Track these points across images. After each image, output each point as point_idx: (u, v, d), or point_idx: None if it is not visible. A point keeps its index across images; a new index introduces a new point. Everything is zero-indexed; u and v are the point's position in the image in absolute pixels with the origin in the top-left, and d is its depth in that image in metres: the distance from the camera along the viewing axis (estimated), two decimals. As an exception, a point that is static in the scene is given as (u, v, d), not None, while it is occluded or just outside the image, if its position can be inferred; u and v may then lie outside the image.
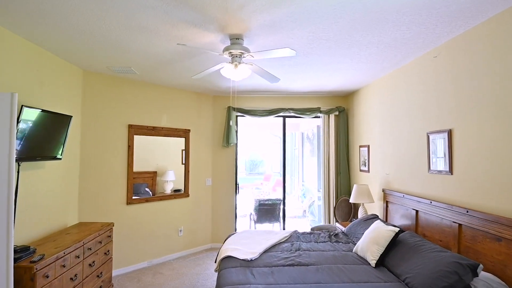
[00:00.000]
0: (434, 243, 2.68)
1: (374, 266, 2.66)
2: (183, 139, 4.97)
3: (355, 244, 3.34)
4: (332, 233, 3.74)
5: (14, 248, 2.30)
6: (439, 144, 2.95)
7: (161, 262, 4.57)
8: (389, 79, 3.92)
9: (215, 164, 5.38)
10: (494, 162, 2.34)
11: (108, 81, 4.06)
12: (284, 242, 3.39)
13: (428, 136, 3.12)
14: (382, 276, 2.45)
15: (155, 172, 4.92)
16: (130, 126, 4.26)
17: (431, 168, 3.09)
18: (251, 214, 6.19)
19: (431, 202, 2.96)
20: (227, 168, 5.39)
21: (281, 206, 5.93)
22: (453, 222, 2.66)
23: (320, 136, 5.58)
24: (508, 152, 2.22)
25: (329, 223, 5.31)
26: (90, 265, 3.02)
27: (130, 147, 4.27)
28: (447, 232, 2.74)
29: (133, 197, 4.33)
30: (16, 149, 2.48)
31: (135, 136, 4.33)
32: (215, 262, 3.18)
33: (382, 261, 2.70)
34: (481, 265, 2.09)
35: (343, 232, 3.79)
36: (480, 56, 2.48)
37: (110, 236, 3.52)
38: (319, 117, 5.47)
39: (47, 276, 2.35)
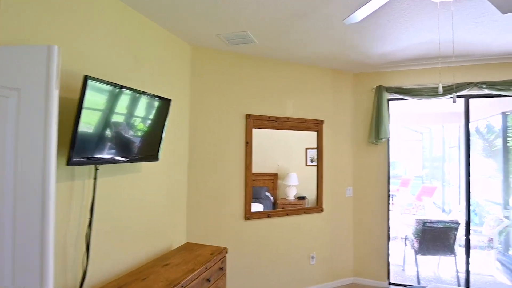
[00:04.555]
0: None
1: None
2: (314, 133, 3.68)
3: None
4: None
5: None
6: None
7: (288, 298, 3.40)
8: None
9: (358, 167, 3.89)
10: None
11: (219, 58, 3.13)
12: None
13: None
14: None
15: (275, 175, 3.86)
16: (248, 117, 3.23)
17: None
18: (406, 238, 4.42)
19: None
20: (376, 174, 3.83)
21: (457, 232, 3.98)
22: None
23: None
24: None
25: None
26: (193, 316, 2.03)
27: (248, 144, 3.24)
28: None
29: (253, 211, 3.29)
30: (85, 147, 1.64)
31: (253, 130, 3.28)
32: None
33: None
34: None
35: None
36: None
37: (222, 269, 2.52)
38: (536, 93, 3.31)
39: None
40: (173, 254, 2.44)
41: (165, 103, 2.30)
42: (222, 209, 3.10)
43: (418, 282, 3.96)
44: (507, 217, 4.86)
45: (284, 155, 3.86)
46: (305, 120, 3.57)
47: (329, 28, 2.59)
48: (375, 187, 3.83)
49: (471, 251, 3.69)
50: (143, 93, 2.04)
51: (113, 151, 1.86)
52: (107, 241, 1.99)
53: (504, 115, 4.97)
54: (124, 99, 1.90)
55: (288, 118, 3.46)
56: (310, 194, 3.77)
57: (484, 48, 3.04)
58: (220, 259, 2.50)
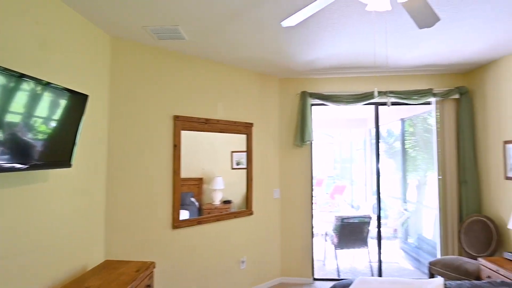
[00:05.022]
0: None
1: None
2: (240, 136, 3.65)
3: None
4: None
5: None
6: None
7: (219, 307, 3.28)
8: None
9: (285, 169, 4.01)
10: None
11: (145, 53, 2.85)
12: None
13: None
14: None
15: (201, 179, 3.70)
16: (176, 118, 3.02)
17: None
18: (326, 235, 4.73)
19: None
20: (301, 175, 3.99)
21: (369, 226, 4.43)
22: None
23: (433, 129, 4.01)
24: None
25: (455, 254, 3.70)
26: None
27: (177, 147, 3.03)
28: None
29: (181, 219, 3.07)
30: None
31: (182, 132, 3.09)
32: None
33: None
34: None
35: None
36: None
37: (150, 286, 2.26)
38: (429, 103, 3.90)
39: None
40: (91, 275, 2.09)
41: (80, 99, 1.97)
42: (148, 219, 2.82)
43: (338, 275, 4.26)
44: (406, 210, 5.62)
45: (210, 158, 3.71)
46: (235, 122, 3.52)
47: (262, 32, 2.59)
48: (300, 188, 3.99)
49: (376, 242, 4.12)
50: (49, 84, 1.69)
51: (6, 156, 1.49)
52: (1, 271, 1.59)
53: (403, 121, 5.75)
54: (24, 92, 1.55)
55: (218, 120, 3.35)
56: (236, 198, 3.72)
57: (395, 61, 3.44)
58: (147, 276, 2.25)
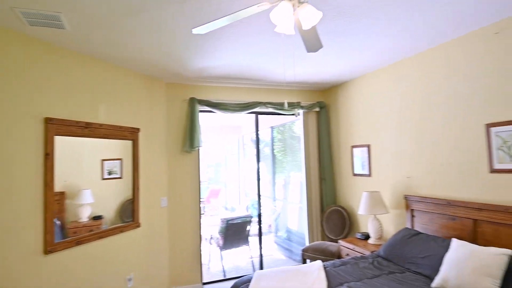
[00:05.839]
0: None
1: (498, 309, 1.87)
2: (130, 141, 3.38)
3: (414, 272, 2.52)
4: (370, 260, 2.85)
5: None
6: (511, 137, 2.39)
7: (103, 336, 2.90)
8: (410, 64, 3.31)
9: (173, 176, 3.90)
10: None
11: (10, 39, 2.29)
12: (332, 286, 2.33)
13: (489, 128, 2.55)
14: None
15: (62, 193, 3.16)
16: (48, 121, 2.53)
17: (494, 167, 2.52)
18: (211, 238, 4.84)
19: (507, 209, 2.36)
20: (189, 181, 3.98)
21: (250, 225, 4.80)
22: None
23: (298, 136, 4.70)
24: None
25: (319, 240, 4.43)
26: None
27: (49, 156, 2.54)
28: (544, 247, 2.16)
29: (56, 241, 2.57)
30: None
31: (56, 138, 2.61)
32: None
33: (502, 301, 1.93)
34: None
35: (379, 256, 2.95)
36: None
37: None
38: (295, 114, 4.57)
39: None
40: None
41: None
42: (7, 245, 2.24)
43: (224, 275, 4.43)
44: (275, 207, 6.34)
45: (74, 168, 3.05)
46: (121, 127, 3.21)
47: (159, 34, 2.51)
48: (189, 194, 3.97)
49: (257, 238, 4.53)
50: None
51: None
52: None
53: (272, 128, 6.49)
54: None
55: (101, 125, 2.99)
56: (109, 212, 3.26)
57: (274, 76, 3.90)
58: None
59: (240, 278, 2.63)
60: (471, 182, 2.71)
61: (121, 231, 3.18)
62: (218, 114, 4.10)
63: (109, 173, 3.36)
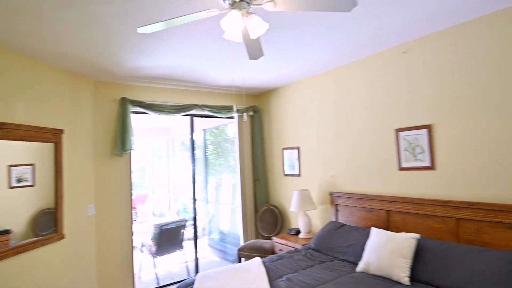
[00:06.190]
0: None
1: (409, 284, 2.24)
2: (52, 144, 3.04)
3: (342, 260, 2.85)
4: (303, 252, 3.10)
5: None
6: (415, 140, 2.89)
7: None
8: (334, 75, 3.71)
9: (101, 182, 3.63)
10: (479, 154, 2.44)
11: None
12: (273, 280, 2.48)
13: (398, 133, 3.04)
14: (434, 294, 2.05)
15: None
16: (-50, 120, 2.15)
17: (402, 165, 3.01)
18: (143, 245, 4.61)
19: (412, 200, 2.85)
20: (120, 186, 3.75)
21: (184, 229, 4.73)
22: (447, 217, 2.61)
23: (232, 139, 4.82)
24: (494, 144, 2.29)
25: (253, 238, 4.59)
26: None
27: (-48, 162, 2.15)
28: (438, 229, 2.67)
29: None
30: None
31: (-39, 140, 2.23)
32: None
33: (412, 276, 2.32)
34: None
35: (311, 248, 3.22)
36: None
37: None
38: (233, 117, 4.70)
39: None
40: None
41: None
42: None
43: (158, 283, 4.28)
44: (208, 210, 6.34)
45: None
46: (42, 128, 2.88)
47: (95, 28, 2.35)
48: (119, 200, 3.74)
49: (193, 241, 4.49)
50: None
51: None
52: None
53: (205, 131, 6.48)
54: None
55: (18, 126, 2.64)
56: (19, 225, 2.81)
57: (211, 80, 3.94)
58: None
59: (182, 282, 2.61)
60: (384, 179, 3.18)
61: (43, 244, 2.85)
62: (147, 115, 3.94)
63: (18, 181, 2.96)
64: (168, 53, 2.93)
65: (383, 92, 3.18)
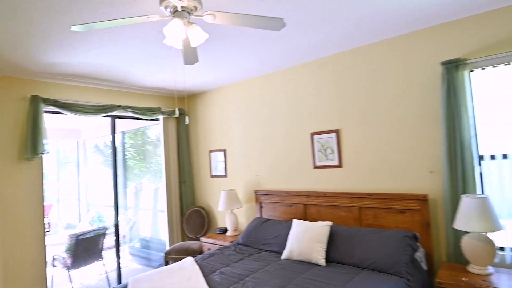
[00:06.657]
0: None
1: (325, 264, 2.63)
2: None
3: (268, 251, 3.14)
4: (232, 248, 3.29)
5: None
6: (326, 142, 3.39)
7: None
8: (259, 82, 4.03)
9: (6, 189, 3.21)
10: (374, 154, 3.04)
11: None
12: (207, 276, 2.60)
13: (313, 136, 3.50)
14: (345, 270, 2.47)
15: None
16: None
17: (316, 164, 3.48)
18: (54, 259, 4.17)
19: (325, 194, 3.33)
20: (30, 194, 3.37)
21: (104, 238, 4.46)
22: (352, 206, 3.15)
23: (158, 141, 4.75)
24: (384, 146, 2.91)
25: (179, 241, 4.58)
26: None
27: None
28: (345, 217, 3.19)
29: None
30: None
31: None
32: None
33: (327, 258, 2.72)
34: (418, 234, 2.63)
35: (239, 244, 3.43)
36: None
37: None
38: (158, 119, 4.63)
39: None
40: None
41: None
42: None
43: (74, 298, 3.94)
44: (130, 216, 6.03)
45: None
46: None
47: (9, 19, 2.15)
48: (29, 210, 3.36)
49: (110, 251, 4.27)
50: None
51: None
52: None
53: (123, 134, 6.16)
54: None
55: None
56: None
57: (137, 80, 3.85)
58: None
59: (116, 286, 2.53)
60: (302, 176, 3.61)
61: None
62: (52, 115, 3.62)
63: None
64: (93, 50, 2.81)
65: (300, 100, 3.62)
